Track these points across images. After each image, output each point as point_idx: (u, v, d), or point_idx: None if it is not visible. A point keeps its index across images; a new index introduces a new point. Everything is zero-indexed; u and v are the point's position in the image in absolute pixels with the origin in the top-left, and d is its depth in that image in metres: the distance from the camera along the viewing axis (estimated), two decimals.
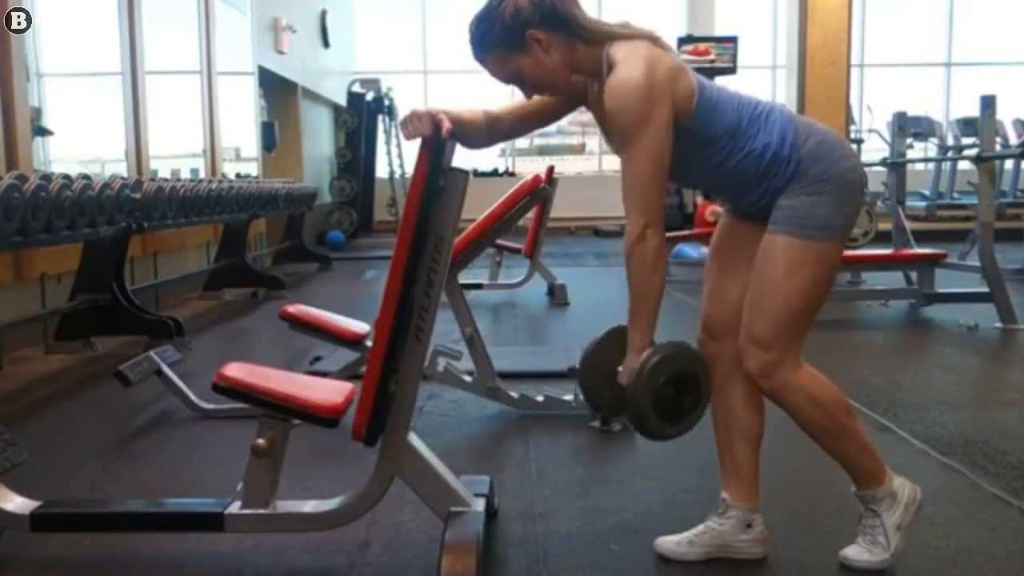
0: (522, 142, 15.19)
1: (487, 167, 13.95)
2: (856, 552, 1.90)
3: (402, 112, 12.65)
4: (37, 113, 5.13)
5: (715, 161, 1.81)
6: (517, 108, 1.98)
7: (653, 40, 1.78)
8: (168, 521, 2.00)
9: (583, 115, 2.03)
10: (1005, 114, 9.91)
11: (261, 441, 1.85)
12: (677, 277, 7.19)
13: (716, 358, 1.97)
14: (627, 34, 1.79)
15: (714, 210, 8.32)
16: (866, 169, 1.91)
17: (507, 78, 1.86)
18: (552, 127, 14.95)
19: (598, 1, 12.62)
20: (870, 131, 10.40)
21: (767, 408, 1.98)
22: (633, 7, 12.33)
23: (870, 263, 6.18)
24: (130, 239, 4.53)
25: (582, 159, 15.30)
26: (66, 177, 3.88)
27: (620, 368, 1.80)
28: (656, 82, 1.71)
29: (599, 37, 1.79)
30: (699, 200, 9.07)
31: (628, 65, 1.72)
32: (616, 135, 1.76)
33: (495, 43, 1.81)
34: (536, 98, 1.95)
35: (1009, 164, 11.04)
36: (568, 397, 3.17)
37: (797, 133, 1.79)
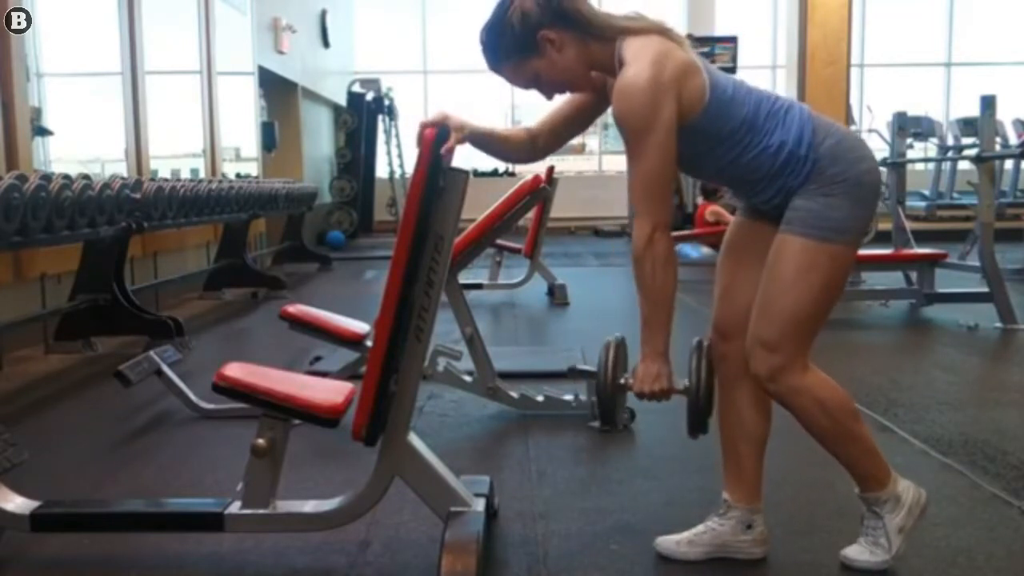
0: None
1: (487, 167, 13.95)
2: (857, 552, 1.89)
3: (403, 112, 12.70)
4: (37, 113, 5.13)
5: (731, 155, 1.79)
6: (550, 119, 1.97)
7: (664, 32, 1.76)
8: (168, 521, 2.00)
9: None
10: (1005, 114, 9.90)
11: (261, 441, 1.85)
12: (677, 277, 7.18)
13: (726, 358, 1.96)
14: (637, 28, 1.76)
15: (714, 210, 8.33)
16: None
17: (525, 83, 1.85)
18: None
19: (599, 3, 12.62)
20: (870, 131, 10.39)
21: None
22: (633, 7, 12.33)
23: (870, 263, 6.16)
24: (130, 239, 4.53)
25: (582, 159, 15.30)
26: (66, 177, 3.87)
27: (628, 375, 1.81)
28: (662, 84, 1.68)
29: (609, 33, 1.77)
30: (699, 200, 9.06)
31: (635, 66, 1.70)
32: (623, 137, 1.75)
33: (508, 51, 1.80)
34: (566, 104, 1.94)
35: (1009, 164, 11.03)
36: (568, 397, 3.17)
37: (815, 132, 1.76)
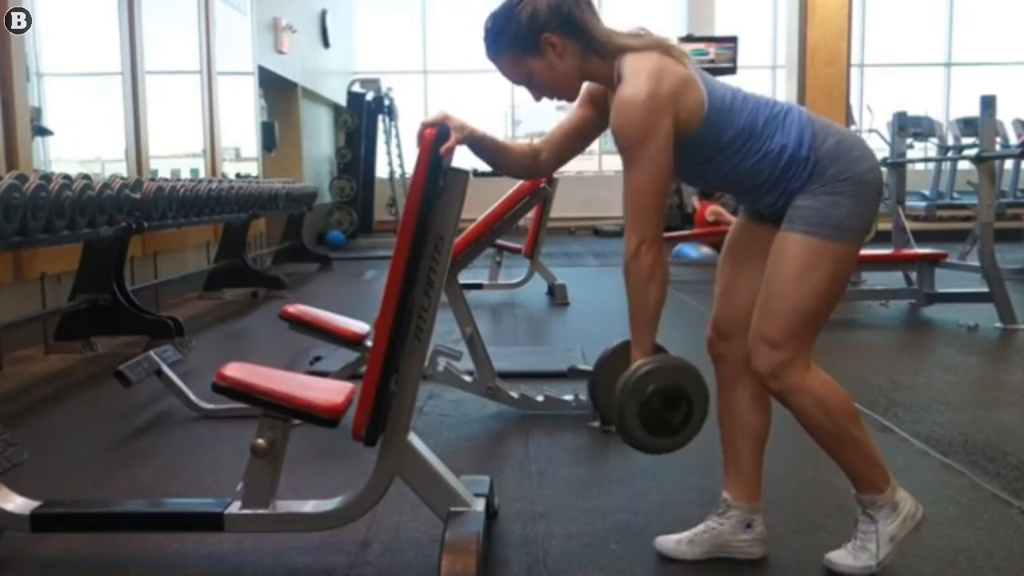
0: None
1: (487, 167, 13.94)
2: (840, 556, 1.87)
3: (403, 112, 12.69)
4: (37, 113, 5.13)
5: (731, 163, 1.80)
6: (553, 137, 1.98)
7: (665, 49, 1.76)
8: (168, 521, 2.00)
9: None
10: (1005, 114, 9.91)
11: (261, 441, 1.85)
12: (677, 277, 7.17)
13: (724, 358, 1.97)
14: (638, 45, 1.77)
15: (714, 210, 8.33)
16: None
17: (518, 79, 1.86)
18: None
19: (599, 1, 12.63)
20: (870, 131, 10.40)
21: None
22: (633, 7, 12.33)
23: (870, 263, 6.16)
24: (130, 239, 4.53)
25: (582, 159, 15.26)
26: (66, 177, 3.88)
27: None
28: (659, 99, 1.70)
29: (611, 50, 1.77)
30: (695, 202, 9.06)
31: (632, 82, 1.71)
32: (619, 150, 1.75)
33: (509, 44, 1.80)
34: (568, 121, 1.96)
35: (1009, 164, 11.04)
36: (568, 397, 3.17)
37: (815, 134, 1.77)
